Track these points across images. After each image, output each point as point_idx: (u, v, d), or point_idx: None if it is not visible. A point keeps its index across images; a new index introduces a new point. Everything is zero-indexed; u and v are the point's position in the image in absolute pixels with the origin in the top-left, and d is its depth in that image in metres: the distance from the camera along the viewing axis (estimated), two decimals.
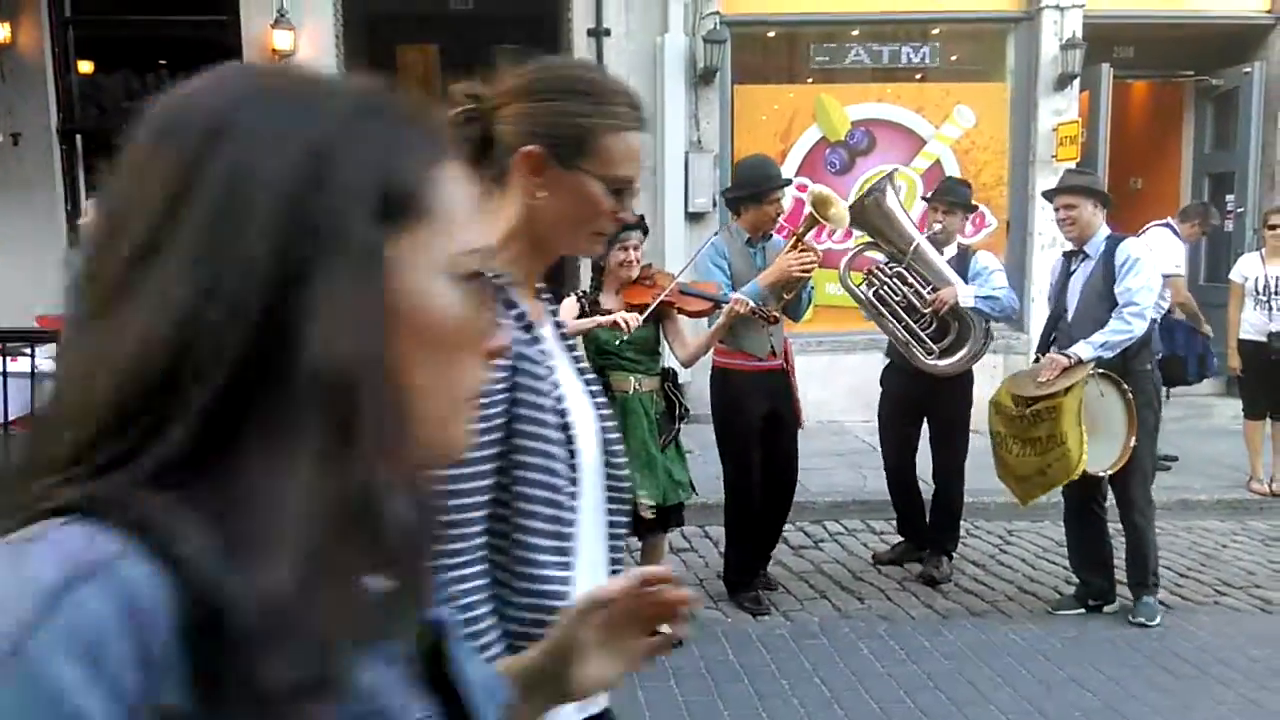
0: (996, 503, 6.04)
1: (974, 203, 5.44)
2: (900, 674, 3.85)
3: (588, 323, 3.96)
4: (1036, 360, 4.66)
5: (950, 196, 5.06)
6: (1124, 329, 4.23)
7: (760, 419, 4.44)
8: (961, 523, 5.84)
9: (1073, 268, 4.58)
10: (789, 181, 4.40)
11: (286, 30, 7.38)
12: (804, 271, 4.18)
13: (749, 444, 4.45)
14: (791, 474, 4.63)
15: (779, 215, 4.40)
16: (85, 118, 7.96)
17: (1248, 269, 6.37)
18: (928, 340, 4.77)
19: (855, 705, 3.60)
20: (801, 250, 4.18)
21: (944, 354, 4.78)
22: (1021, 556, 5.34)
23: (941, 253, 4.90)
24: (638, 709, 3.55)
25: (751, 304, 4.07)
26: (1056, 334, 4.53)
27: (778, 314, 4.20)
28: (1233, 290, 6.47)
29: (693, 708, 3.56)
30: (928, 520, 5.10)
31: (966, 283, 4.77)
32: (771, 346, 4.39)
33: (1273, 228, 6.38)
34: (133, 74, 9.05)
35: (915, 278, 4.73)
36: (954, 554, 5.04)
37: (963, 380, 4.91)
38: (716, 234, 4.69)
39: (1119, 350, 4.25)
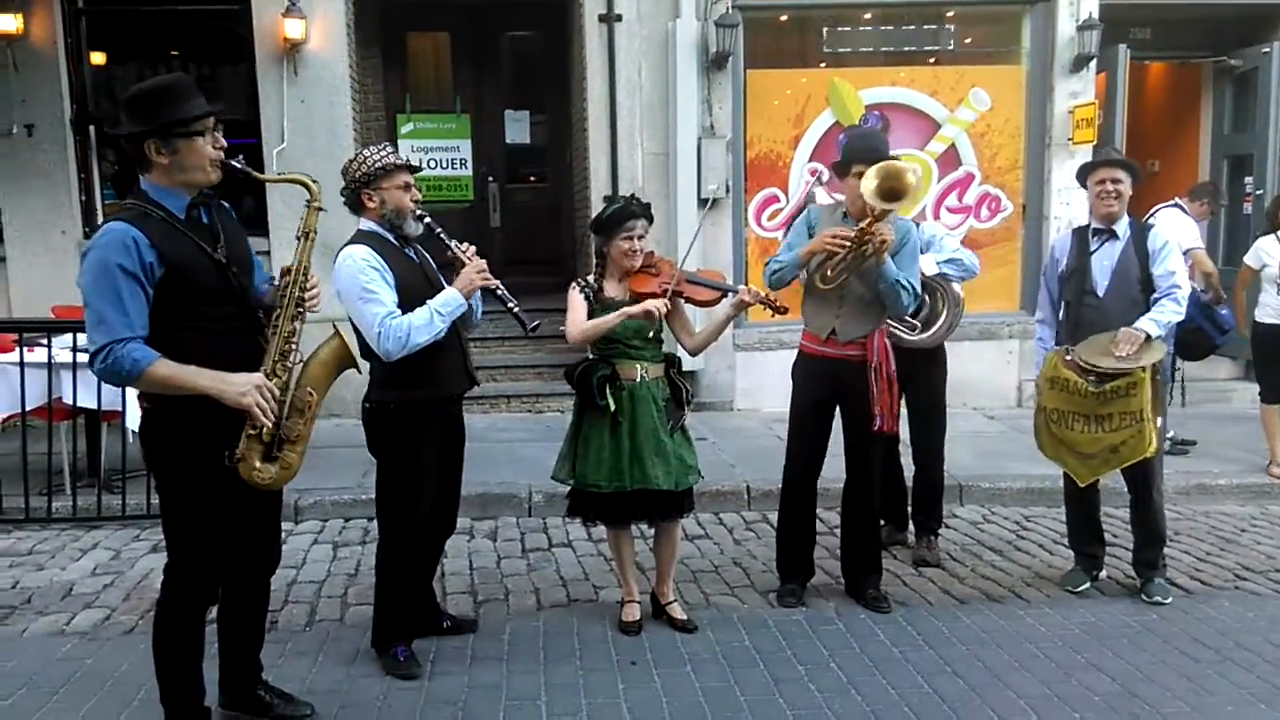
0: (1014, 488, 6.05)
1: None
2: (917, 659, 3.83)
3: (614, 317, 3.94)
4: (1059, 342, 4.62)
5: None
6: (1177, 310, 4.37)
7: (819, 406, 4.34)
8: (979, 509, 5.88)
9: (1093, 247, 4.55)
10: (877, 158, 4.08)
11: (298, 19, 7.37)
12: (833, 249, 4.06)
13: (803, 430, 4.38)
14: (863, 484, 4.37)
15: (859, 195, 4.07)
16: (99, 109, 7.96)
17: (1270, 252, 6.29)
18: (908, 317, 4.76)
19: (873, 691, 3.58)
20: (861, 234, 4.00)
21: (922, 327, 4.79)
22: (1039, 542, 5.31)
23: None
24: (654, 695, 3.55)
25: (760, 294, 4.04)
26: (1083, 309, 4.48)
27: (786, 306, 4.11)
28: (1244, 273, 6.39)
29: (710, 694, 3.55)
30: (910, 502, 5.11)
31: (922, 254, 4.76)
32: (834, 330, 4.23)
33: None
34: (145, 64, 9.07)
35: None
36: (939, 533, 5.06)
37: (940, 360, 4.93)
38: (818, 205, 4.55)
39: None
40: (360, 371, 3.23)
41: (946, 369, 4.98)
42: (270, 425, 2.80)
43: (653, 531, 4.28)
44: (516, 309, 3.67)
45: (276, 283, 3.02)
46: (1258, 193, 8.40)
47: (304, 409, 2.91)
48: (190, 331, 2.81)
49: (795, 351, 4.48)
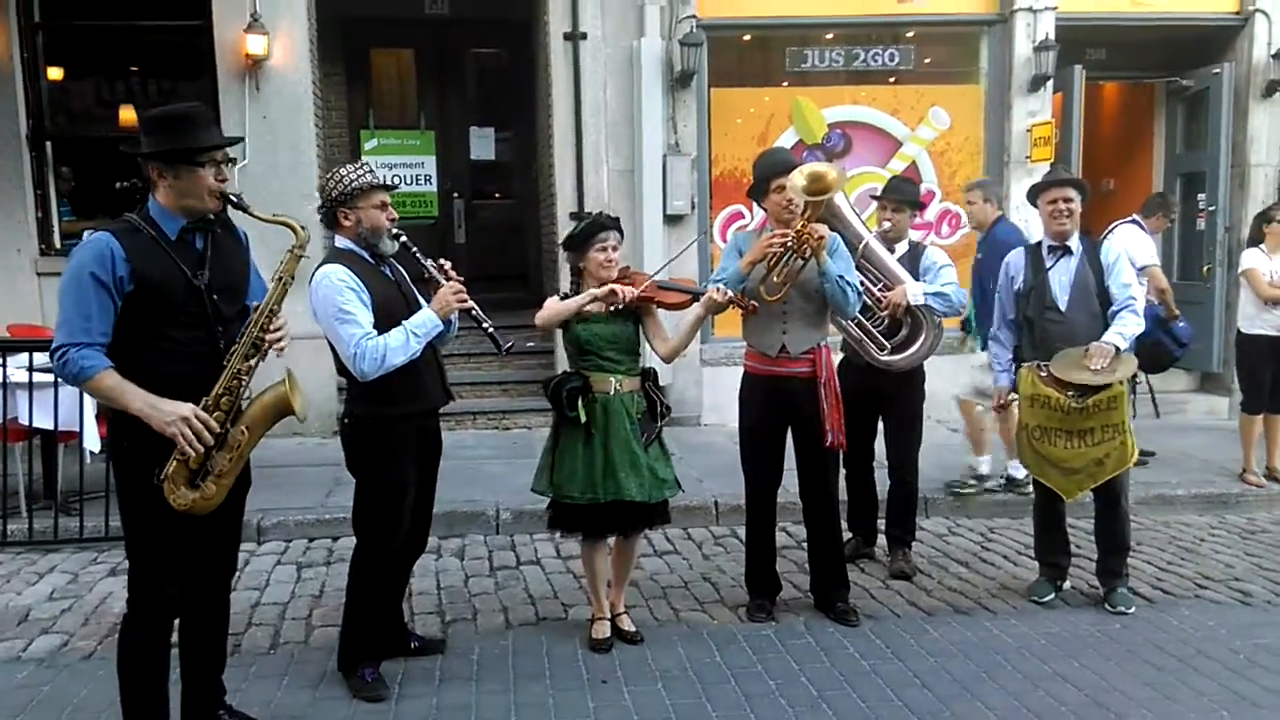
0: (977, 500, 6.10)
1: (923, 200, 5.53)
2: (886, 672, 3.85)
3: (583, 298, 3.95)
4: (1018, 358, 4.69)
5: (898, 195, 5.10)
6: (1138, 322, 4.49)
7: (773, 423, 4.36)
8: (944, 521, 5.93)
9: (1049, 263, 4.63)
10: (789, 167, 4.23)
11: (260, 35, 7.32)
12: (776, 250, 4.10)
13: (758, 451, 4.41)
14: (823, 498, 4.40)
15: (789, 203, 4.18)
16: (56, 124, 7.85)
17: (1258, 264, 6.42)
18: (880, 337, 4.82)
19: (843, 704, 3.59)
20: (797, 234, 4.06)
21: (897, 350, 4.83)
22: (1004, 554, 5.36)
23: (893, 250, 4.94)
24: (626, 713, 3.53)
25: (729, 293, 4.06)
26: (1046, 325, 4.55)
27: (757, 304, 4.16)
28: (1254, 275, 6.44)
29: (680, 710, 3.54)
30: (885, 514, 5.14)
31: (918, 278, 4.83)
32: (784, 346, 4.27)
33: (1271, 222, 6.49)
34: (103, 80, 8.96)
35: (866, 277, 4.76)
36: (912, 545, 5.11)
37: (916, 374, 4.97)
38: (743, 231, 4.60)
39: None
40: (302, 419, 3.21)
41: (924, 387, 5.01)
42: (194, 455, 2.81)
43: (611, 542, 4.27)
44: (491, 329, 3.67)
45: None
46: (1210, 209, 8.59)
47: (234, 446, 2.90)
48: (153, 350, 2.84)
49: None
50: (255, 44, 7.33)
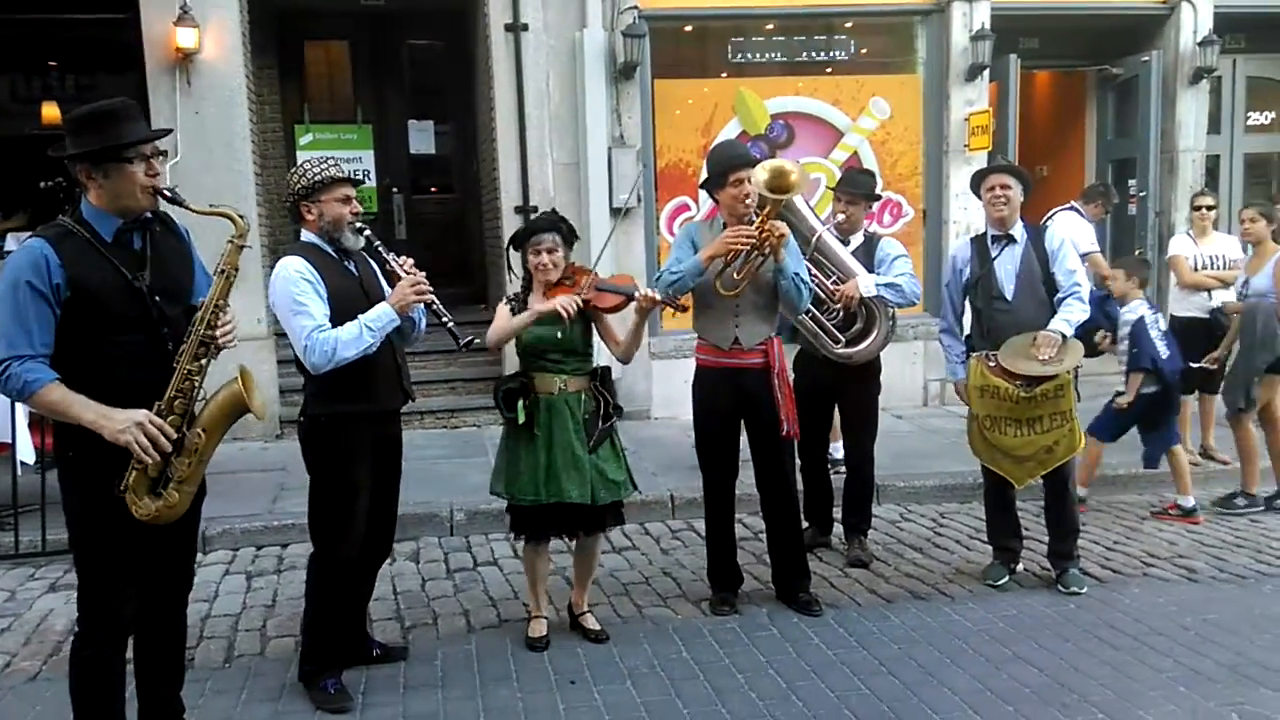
0: (928, 486, 6.19)
1: (878, 192, 5.53)
2: (852, 661, 3.87)
3: (526, 316, 3.91)
4: (969, 348, 4.75)
5: (852, 187, 5.12)
6: (1084, 309, 4.54)
7: (729, 416, 4.36)
8: (895, 508, 6.00)
9: (995, 252, 4.69)
10: (750, 161, 4.24)
11: (190, 28, 7.09)
12: (741, 246, 4.08)
13: (714, 444, 4.40)
14: (781, 486, 4.40)
15: (746, 197, 4.17)
16: None
17: (1183, 250, 6.61)
18: (835, 330, 4.85)
19: (812, 694, 3.60)
20: (760, 229, 4.07)
21: (852, 342, 4.87)
22: (955, 538, 5.44)
23: (847, 242, 4.97)
24: (596, 713, 3.50)
25: (657, 295, 4.05)
26: (994, 314, 4.61)
27: (686, 304, 4.16)
28: (1177, 263, 6.67)
29: (652, 708, 3.52)
30: (842, 504, 5.19)
31: (872, 269, 4.86)
32: (737, 339, 4.26)
33: (1198, 209, 6.68)
34: (22, 76, 8.64)
35: (820, 270, 4.79)
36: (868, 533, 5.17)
37: (872, 365, 5.01)
38: (692, 221, 4.57)
39: None
40: (260, 418, 3.12)
41: (880, 378, 5.06)
42: (152, 462, 2.70)
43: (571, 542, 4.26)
44: (451, 324, 3.59)
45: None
46: (1141, 194, 8.81)
47: (193, 450, 2.80)
48: (98, 358, 2.72)
49: None
50: (186, 37, 7.10)
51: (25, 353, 2.63)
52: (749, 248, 4.10)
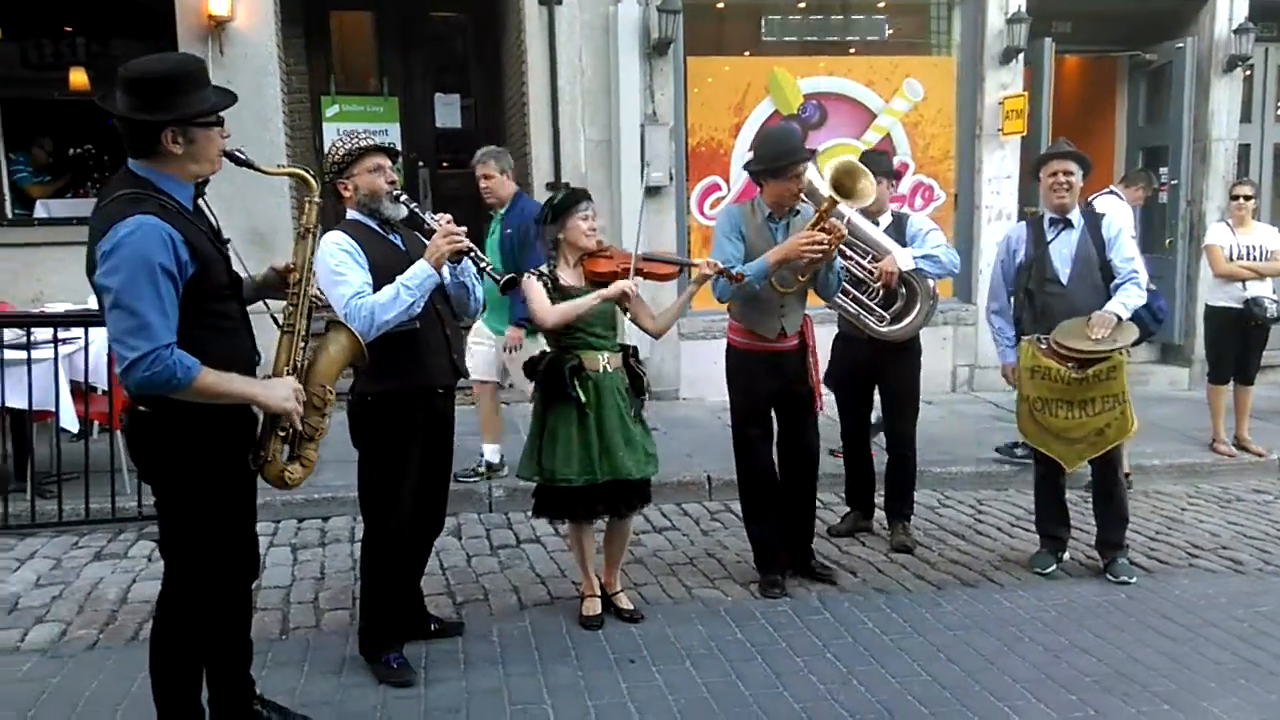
0: (965, 473, 6.20)
1: (896, 170, 5.52)
2: (910, 646, 3.88)
3: (593, 298, 3.87)
4: (1019, 332, 4.74)
5: (873, 167, 5.07)
6: (1140, 295, 4.54)
7: (770, 398, 4.39)
8: (933, 494, 6.00)
9: (1050, 236, 4.67)
10: (812, 154, 4.31)
11: None
12: (815, 254, 4.09)
13: (755, 423, 4.42)
14: (810, 458, 4.51)
15: (800, 191, 4.25)
16: (4, 88, 7.46)
17: (1220, 239, 6.59)
18: (877, 309, 4.84)
19: (872, 679, 3.61)
20: (822, 230, 4.09)
21: (894, 320, 4.86)
22: (997, 525, 5.45)
23: (877, 223, 4.94)
24: (659, 693, 3.51)
25: (719, 264, 4.04)
26: (1047, 297, 4.60)
27: (743, 273, 4.11)
28: (1212, 252, 6.64)
29: (714, 690, 3.53)
30: (884, 489, 5.18)
31: (905, 246, 4.84)
32: (783, 327, 4.33)
33: (1236, 198, 6.65)
34: (51, 41, 8.55)
35: (855, 250, 4.77)
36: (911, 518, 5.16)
37: (913, 347, 5.00)
38: (734, 204, 4.55)
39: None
40: (364, 365, 3.11)
41: (920, 359, 5.05)
42: (304, 429, 2.70)
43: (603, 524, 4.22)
44: (489, 267, 3.51)
45: (285, 280, 2.91)
46: (1173, 183, 8.77)
47: (322, 405, 2.82)
48: (204, 330, 2.65)
49: None
50: (219, 5, 7.04)
51: (169, 340, 2.50)
52: (817, 252, 4.09)
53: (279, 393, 2.68)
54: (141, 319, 2.47)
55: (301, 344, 2.79)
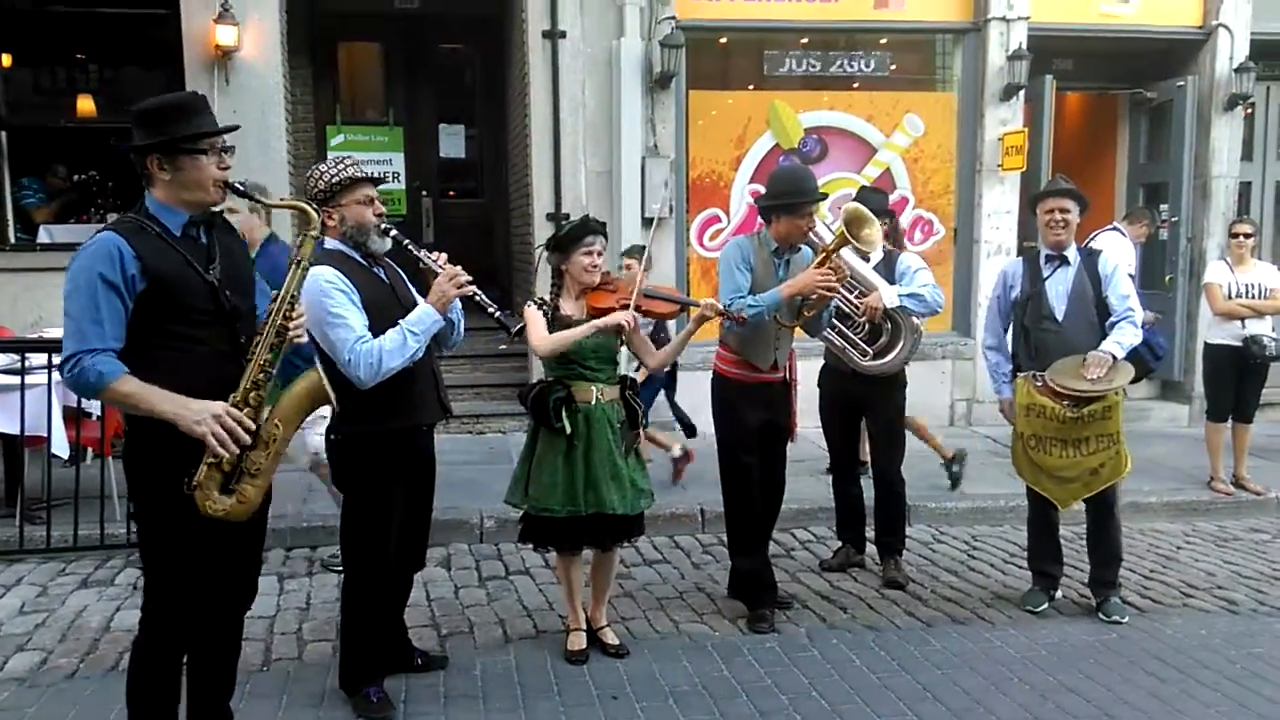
0: (960, 508, 6.15)
1: (890, 209, 5.54)
2: (897, 685, 3.83)
3: (587, 328, 3.86)
4: (1015, 367, 4.72)
5: (869, 205, 5.10)
6: (1136, 333, 4.52)
7: (758, 428, 4.41)
8: (927, 529, 5.96)
9: (1046, 273, 4.67)
10: (825, 196, 4.39)
11: (230, 25, 7.12)
12: (828, 291, 4.21)
13: (745, 453, 4.41)
14: (779, 492, 4.62)
15: (810, 229, 4.40)
16: (13, 114, 7.54)
17: (1219, 277, 6.58)
18: (861, 344, 4.86)
19: (859, 718, 3.57)
20: (831, 268, 4.20)
21: (879, 355, 4.88)
22: (990, 561, 5.40)
23: (867, 259, 4.95)
24: None
25: (719, 306, 4.06)
26: (1043, 334, 4.59)
27: (745, 317, 4.16)
28: (1210, 291, 6.62)
29: None
30: (875, 523, 5.15)
31: (893, 283, 4.86)
32: (776, 359, 4.39)
33: (1235, 236, 6.64)
34: (61, 69, 8.65)
35: (843, 285, 4.78)
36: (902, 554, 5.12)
37: (898, 380, 5.01)
38: (741, 236, 4.59)
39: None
40: (335, 407, 3.06)
41: (905, 393, 5.04)
42: (229, 456, 2.64)
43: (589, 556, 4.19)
44: (498, 314, 3.50)
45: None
46: (1173, 220, 8.77)
47: (269, 442, 2.75)
48: (171, 351, 2.66)
49: None
50: (225, 35, 7.13)
51: (96, 346, 2.56)
52: (828, 289, 4.20)
53: (194, 414, 2.60)
54: (75, 324, 2.57)
55: (260, 373, 2.75)
